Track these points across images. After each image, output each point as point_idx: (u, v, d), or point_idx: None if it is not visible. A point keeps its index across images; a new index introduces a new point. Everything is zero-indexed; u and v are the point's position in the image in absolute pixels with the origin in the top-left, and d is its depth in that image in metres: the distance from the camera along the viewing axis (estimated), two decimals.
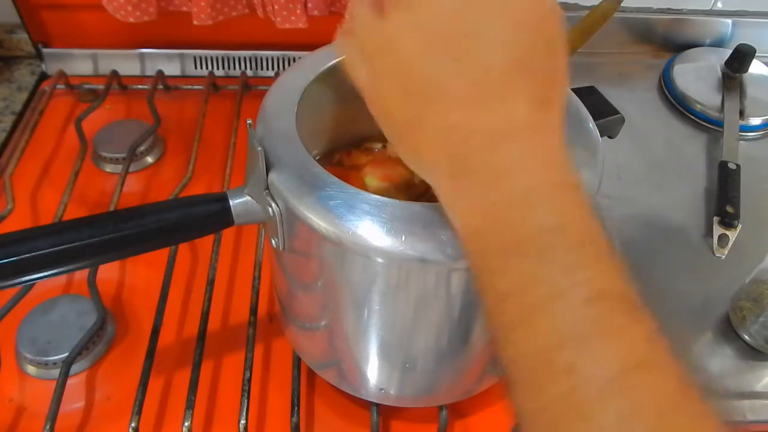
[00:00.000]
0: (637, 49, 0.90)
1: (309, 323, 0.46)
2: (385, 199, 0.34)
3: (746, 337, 0.57)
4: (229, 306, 0.57)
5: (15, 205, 0.63)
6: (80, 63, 0.80)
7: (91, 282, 0.55)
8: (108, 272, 0.59)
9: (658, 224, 0.68)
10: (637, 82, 0.86)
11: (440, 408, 0.49)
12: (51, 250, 0.35)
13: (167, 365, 0.52)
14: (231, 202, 0.38)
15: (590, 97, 0.45)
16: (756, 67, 0.83)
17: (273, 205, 0.36)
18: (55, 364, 0.51)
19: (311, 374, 0.52)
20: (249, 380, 0.50)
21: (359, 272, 0.36)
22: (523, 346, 0.26)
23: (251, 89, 0.79)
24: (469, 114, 0.28)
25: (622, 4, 0.48)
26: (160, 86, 0.78)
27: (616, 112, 0.46)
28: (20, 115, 0.74)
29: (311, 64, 0.43)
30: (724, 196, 0.68)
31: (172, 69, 0.81)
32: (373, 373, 0.44)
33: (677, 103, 0.82)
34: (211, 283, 0.57)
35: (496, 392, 0.50)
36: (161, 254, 0.58)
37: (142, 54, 0.80)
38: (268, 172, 0.36)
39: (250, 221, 0.39)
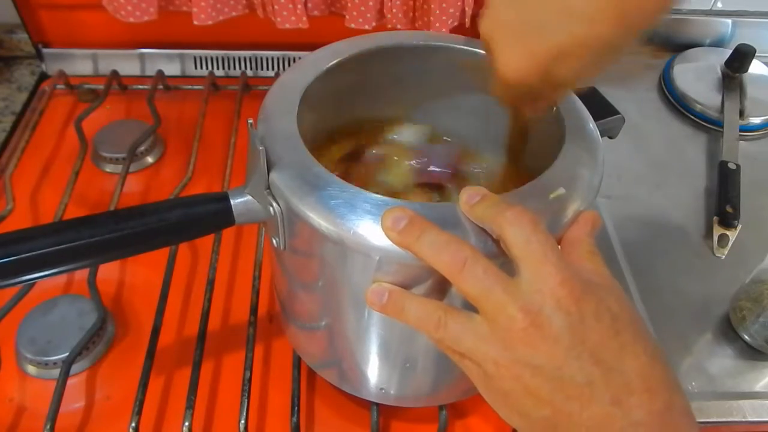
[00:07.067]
0: (637, 49, 0.89)
1: (309, 323, 0.46)
2: (387, 198, 0.34)
3: (746, 337, 0.57)
4: (229, 306, 0.57)
5: (15, 205, 0.63)
6: (80, 63, 0.80)
7: (91, 282, 0.55)
8: (108, 272, 0.59)
9: (658, 224, 0.68)
10: (637, 82, 0.86)
11: (440, 408, 0.49)
12: (51, 250, 0.34)
13: (167, 365, 0.52)
14: (232, 202, 0.38)
15: (590, 97, 0.45)
16: (756, 67, 0.84)
17: (274, 204, 0.36)
18: (55, 364, 0.51)
19: (311, 374, 0.52)
20: (249, 380, 0.50)
21: (360, 272, 0.36)
22: None
23: (251, 89, 0.79)
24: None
25: None
26: (160, 86, 0.78)
27: (616, 112, 0.46)
28: (20, 115, 0.74)
29: (311, 64, 0.43)
30: (724, 196, 0.68)
31: (172, 69, 0.81)
32: (374, 372, 0.44)
33: (677, 103, 0.82)
34: (211, 283, 0.57)
35: None
36: (161, 254, 0.58)
37: (142, 54, 0.80)
38: (269, 171, 0.36)
39: (251, 221, 0.39)
